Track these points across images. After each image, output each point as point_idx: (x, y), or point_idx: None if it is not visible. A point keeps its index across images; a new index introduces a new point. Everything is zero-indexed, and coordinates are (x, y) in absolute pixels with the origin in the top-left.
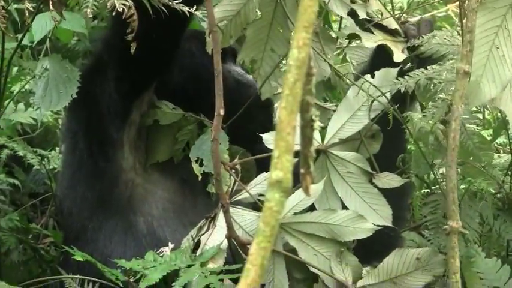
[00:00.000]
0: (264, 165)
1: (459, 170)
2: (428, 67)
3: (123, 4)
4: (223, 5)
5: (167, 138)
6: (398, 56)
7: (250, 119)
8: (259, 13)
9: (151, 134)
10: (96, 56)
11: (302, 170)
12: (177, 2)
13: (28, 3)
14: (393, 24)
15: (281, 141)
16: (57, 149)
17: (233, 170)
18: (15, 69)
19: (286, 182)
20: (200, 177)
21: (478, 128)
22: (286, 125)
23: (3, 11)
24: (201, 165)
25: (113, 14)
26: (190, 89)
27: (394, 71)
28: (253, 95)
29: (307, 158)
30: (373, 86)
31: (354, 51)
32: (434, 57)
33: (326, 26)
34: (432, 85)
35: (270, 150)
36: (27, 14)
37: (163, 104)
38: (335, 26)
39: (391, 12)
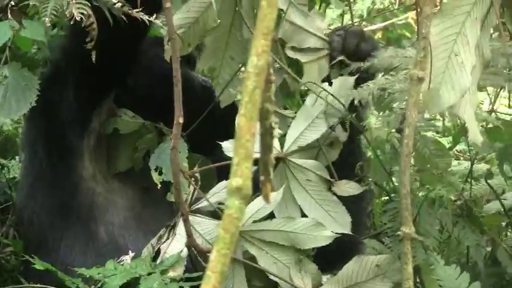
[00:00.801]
0: (225, 173)
1: (417, 178)
2: (380, 77)
3: (82, 13)
4: (181, 12)
5: (127, 146)
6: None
7: (213, 126)
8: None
9: (112, 142)
10: (55, 64)
11: (262, 178)
12: (136, 10)
13: None
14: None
15: (240, 148)
16: (17, 158)
17: (192, 179)
18: None
19: (246, 189)
20: (159, 186)
21: (438, 135)
22: (245, 132)
23: None
24: (160, 173)
25: (71, 22)
26: (156, 95)
27: (351, 79)
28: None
29: (267, 166)
30: (331, 94)
31: None
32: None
33: None
34: (386, 95)
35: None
36: None
37: (123, 112)
38: None
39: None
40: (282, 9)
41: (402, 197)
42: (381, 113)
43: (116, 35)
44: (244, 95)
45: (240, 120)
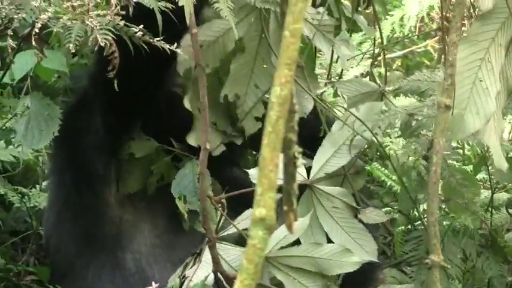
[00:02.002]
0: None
1: (443, 205)
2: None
3: (105, 39)
4: (204, 29)
5: (140, 169)
6: None
7: None
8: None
9: (127, 165)
10: (82, 92)
11: (285, 208)
12: (158, 39)
13: (11, 41)
14: None
15: (264, 178)
16: (37, 186)
17: (219, 205)
18: None
19: (270, 219)
20: (186, 215)
21: (459, 163)
22: (269, 162)
23: None
24: (184, 201)
25: (96, 49)
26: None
27: (379, 105)
28: None
29: (291, 196)
30: (359, 119)
31: (344, 85)
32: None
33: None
34: (413, 121)
35: (242, 176)
36: (9, 51)
37: (137, 134)
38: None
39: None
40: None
41: (430, 225)
42: (407, 139)
43: (141, 63)
44: (268, 125)
45: (263, 151)
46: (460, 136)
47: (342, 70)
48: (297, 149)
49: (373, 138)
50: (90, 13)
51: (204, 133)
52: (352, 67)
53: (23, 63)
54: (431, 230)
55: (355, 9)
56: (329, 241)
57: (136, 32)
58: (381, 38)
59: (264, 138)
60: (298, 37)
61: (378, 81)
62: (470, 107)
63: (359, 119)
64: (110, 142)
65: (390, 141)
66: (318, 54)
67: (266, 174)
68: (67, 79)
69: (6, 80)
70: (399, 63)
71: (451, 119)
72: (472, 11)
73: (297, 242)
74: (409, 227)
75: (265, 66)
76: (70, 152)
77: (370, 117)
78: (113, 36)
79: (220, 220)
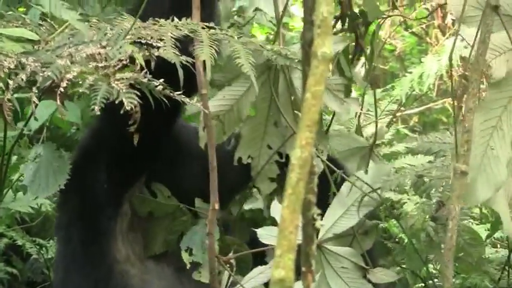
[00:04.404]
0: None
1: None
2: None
3: (131, 102)
4: (217, 99)
5: (162, 229)
6: None
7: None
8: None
9: (147, 224)
10: (86, 146)
11: (304, 269)
12: (178, 93)
13: (35, 98)
14: None
15: (283, 240)
16: (55, 238)
17: (228, 265)
18: (14, 157)
19: (289, 281)
20: (189, 266)
21: (475, 221)
22: (288, 223)
23: (10, 104)
24: (190, 254)
25: (104, 106)
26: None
27: (387, 168)
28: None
29: (309, 256)
30: (366, 183)
31: (335, 138)
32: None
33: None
34: (423, 182)
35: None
36: (33, 104)
37: (159, 190)
38: None
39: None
40: None
41: None
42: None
43: (152, 117)
44: (288, 187)
45: (283, 212)
46: (472, 203)
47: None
48: (316, 211)
49: (386, 197)
50: (115, 75)
51: (213, 194)
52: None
53: (40, 113)
54: None
55: (351, 62)
56: None
57: (156, 86)
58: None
59: (284, 200)
60: (320, 99)
61: (366, 137)
62: (482, 175)
63: (367, 183)
64: (115, 197)
65: (408, 198)
66: None
67: (286, 236)
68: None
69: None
70: (416, 120)
71: (464, 186)
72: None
73: None
74: (423, 284)
75: (277, 127)
76: (76, 207)
77: (378, 179)
78: (137, 96)
79: (229, 279)
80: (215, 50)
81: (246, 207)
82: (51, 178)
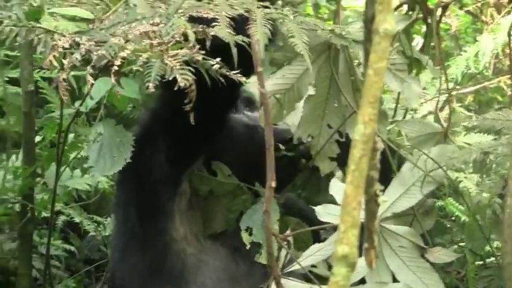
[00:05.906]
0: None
1: None
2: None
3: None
4: (276, 77)
5: (222, 208)
6: None
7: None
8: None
9: (206, 202)
10: (145, 126)
11: (366, 245)
12: (234, 72)
13: (90, 77)
14: None
15: (347, 215)
16: (112, 215)
17: (285, 242)
18: (71, 135)
19: (353, 257)
20: (248, 246)
21: None
22: (352, 199)
23: (66, 83)
24: (250, 234)
25: (162, 84)
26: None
27: (450, 148)
28: None
29: (372, 233)
30: (431, 159)
31: (407, 125)
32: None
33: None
34: (488, 160)
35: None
36: (89, 87)
37: (219, 168)
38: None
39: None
40: None
41: (505, 266)
42: (483, 178)
43: (211, 96)
44: (351, 163)
45: (347, 188)
46: None
47: (407, 109)
48: (378, 187)
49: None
50: (169, 52)
51: (271, 172)
52: (421, 104)
53: (96, 91)
54: (506, 272)
55: (421, 49)
56: (395, 280)
57: (212, 65)
58: (446, 78)
59: (347, 176)
60: (382, 75)
61: (442, 122)
62: None
63: (433, 159)
64: (174, 177)
65: (464, 177)
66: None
67: (349, 211)
68: (142, 109)
69: (80, 109)
70: (471, 99)
71: None
72: None
73: (362, 281)
74: (482, 262)
75: (336, 105)
76: (134, 186)
77: (442, 158)
78: (192, 73)
79: (286, 257)
80: (269, 29)
81: None
82: (116, 153)
